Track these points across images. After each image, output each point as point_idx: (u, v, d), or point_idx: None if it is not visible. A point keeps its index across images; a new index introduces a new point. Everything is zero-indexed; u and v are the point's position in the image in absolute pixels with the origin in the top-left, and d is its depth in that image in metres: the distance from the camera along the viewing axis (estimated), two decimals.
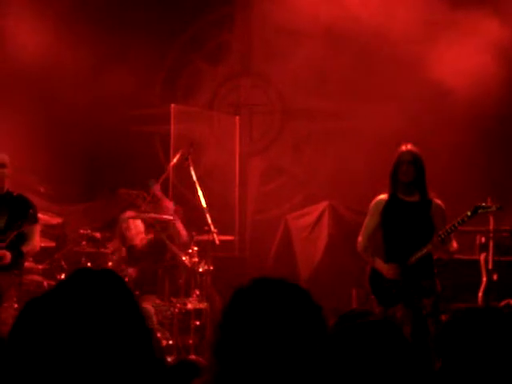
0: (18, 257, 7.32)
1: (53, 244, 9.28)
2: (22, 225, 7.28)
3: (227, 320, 2.28)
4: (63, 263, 9.00)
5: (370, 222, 7.10)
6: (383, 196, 7.03)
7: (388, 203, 6.98)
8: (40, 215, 7.84)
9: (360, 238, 7.12)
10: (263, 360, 2.16)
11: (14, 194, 7.53)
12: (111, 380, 2.01)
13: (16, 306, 7.24)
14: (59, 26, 10.48)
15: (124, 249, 9.05)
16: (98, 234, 9.06)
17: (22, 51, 10.36)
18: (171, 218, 8.93)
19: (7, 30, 10.44)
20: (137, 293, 8.37)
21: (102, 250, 8.96)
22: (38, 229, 7.59)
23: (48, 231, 8.89)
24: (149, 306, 8.29)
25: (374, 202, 7.08)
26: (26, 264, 7.88)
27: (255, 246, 10.83)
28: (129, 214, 8.99)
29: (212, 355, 2.28)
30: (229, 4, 11.39)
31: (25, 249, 7.37)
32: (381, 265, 6.92)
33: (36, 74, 10.58)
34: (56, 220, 9.42)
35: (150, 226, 9.03)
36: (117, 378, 2.02)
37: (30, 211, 7.35)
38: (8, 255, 7.22)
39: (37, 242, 7.55)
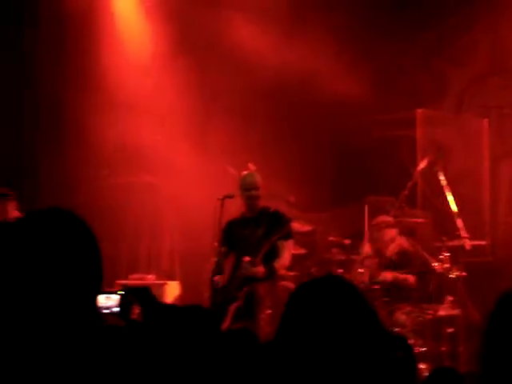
0: (270, 272, 7.57)
1: (303, 251, 9.44)
2: (276, 240, 7.52)
3: (494, 326, 2.22)
4: (314, 270, 9.15)
5: None
6: None
7: None
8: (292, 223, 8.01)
9: None
10: None
11: (271, 211, 7.76)
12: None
13: (270, 312, 7.45)
14: (297, 33, 10.68)
15: (376, 255, 9.02)
16: (347, 241, 9.13)
17: (262, 64, 10.64)
18: (424, 220, 8.81)
19: (243, 45, 10.72)
20: (388, 300, 8.33)
21: (353, 256, 9.01)
22: (290, 245, 7.79)
23: (299, 238, 9.02)
24: (401, 314, 8.23)
25: None
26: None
27: (508, 250, 10.45)
28: (382, 219, 8.94)
29: (480, 364, 2.23)
30: (470, 4, 11.06)
31: (276, 264, 7.61)
32: None
33: (276, 83, 10.83)
34: (306, 227, 9.60)
35: (402, 232, 8.95)
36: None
37: (285, 227, 7.58)
38: (261, 272, 7.51)
39: (286, 258, 7.73)
